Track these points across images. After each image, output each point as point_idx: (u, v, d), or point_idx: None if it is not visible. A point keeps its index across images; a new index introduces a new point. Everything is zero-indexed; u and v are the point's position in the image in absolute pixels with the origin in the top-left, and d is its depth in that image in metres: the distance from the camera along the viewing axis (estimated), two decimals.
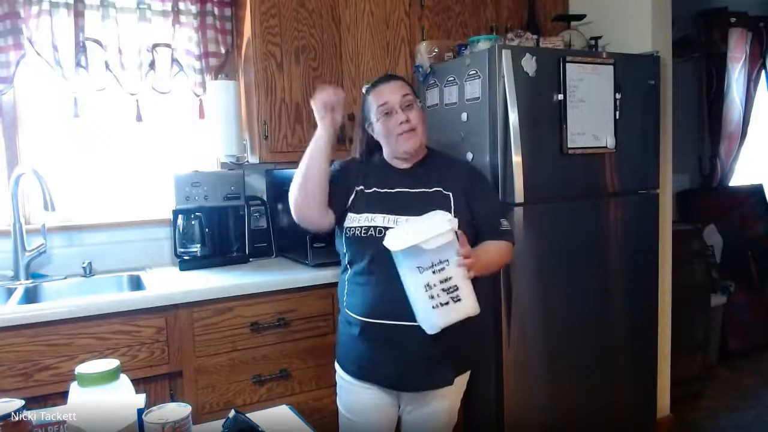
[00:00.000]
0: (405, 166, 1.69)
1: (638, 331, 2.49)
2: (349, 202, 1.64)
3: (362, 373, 1.64)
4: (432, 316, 1.45)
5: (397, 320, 1.54)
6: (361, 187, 1.66)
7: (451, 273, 1.42)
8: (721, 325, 3.55)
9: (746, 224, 4.04)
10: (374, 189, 1.65)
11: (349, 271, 1.65)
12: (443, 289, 1.43)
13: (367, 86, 1.74)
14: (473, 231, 1.61)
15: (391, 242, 1.44)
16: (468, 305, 1.46)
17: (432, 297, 1.43)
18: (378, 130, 1.66)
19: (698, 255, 3.20)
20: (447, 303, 1.43)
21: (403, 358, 1.58)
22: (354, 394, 1.67)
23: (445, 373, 1.61)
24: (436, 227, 1.42)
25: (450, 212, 1.57)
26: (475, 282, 1.50)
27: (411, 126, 1.62)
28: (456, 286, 1.43)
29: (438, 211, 1.50)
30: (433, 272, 1.42)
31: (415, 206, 1.57)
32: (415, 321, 1.50)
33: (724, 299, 3.51)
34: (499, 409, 2.21)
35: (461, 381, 1.69)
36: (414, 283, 1.43)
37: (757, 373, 3.47)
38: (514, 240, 1.71)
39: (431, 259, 1.42)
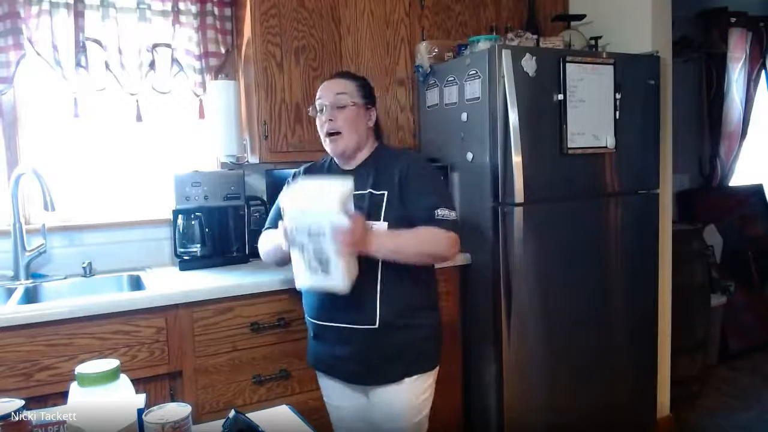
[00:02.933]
0: (349, 167, 1.71)
1: (638, 331, 2.50)
2: None
3: (323, 368, 1.74)
4: (300, 274, 1.51)
5: (346, 323, 1.60)
6: None
7: (326, 246, 1.43)
8: (721, 325, 3.55)
9: (746, 224, 4.04)
10: None
11: None
12: (316, 257, 1.46)
13: None
14: (407, 227, 1.57)
15: (285, 200, 1.50)
16: (335, 280, 1.47)
17: (304, 258, 1.48)
18: (317, 124, 1.71)
19: (698, 255, 3.20)
20: (316, 270, 1.47)
21: (351, 357, 1.62)
22: (326, 386, 1.78)
23: (393, 370, 1.62)
24: (322, 196, 1.44)
25: (381, 213, 1.57)
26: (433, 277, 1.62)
27: (333, 127, 1.63)
28: (327, 258, 1.45)
29: (344, 180, 1.49)
30: (308, 237, 1.45)
31: None
32: (363, 324, 1.56)
33: (724, 299, 3.51)
34: (499, 409, 2.21)
35: (421, 381, 1.65)
36: (296, 240, 1.47)
37: (757, 373, 3.47)
38: (456, 230, 1.60)
39: (310, 225, 1.44)
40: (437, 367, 1.71)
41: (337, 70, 1.81)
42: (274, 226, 1.76)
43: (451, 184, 2.38)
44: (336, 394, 1.76)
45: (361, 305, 1.57)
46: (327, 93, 1.66)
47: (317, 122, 1.70)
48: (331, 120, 1.63)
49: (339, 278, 1.46)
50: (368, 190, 1.62)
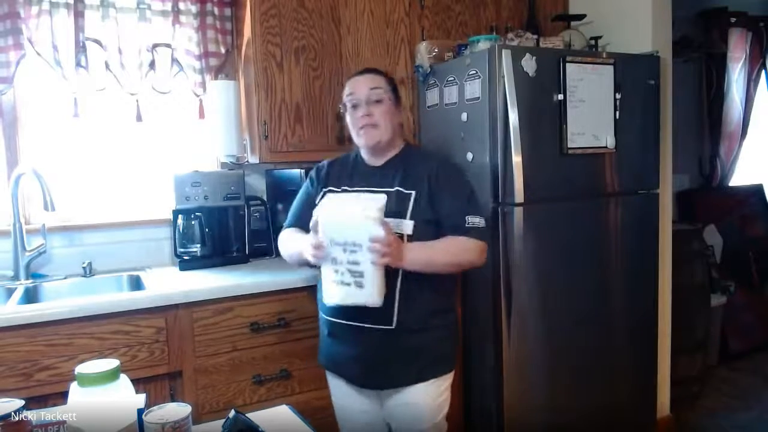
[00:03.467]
0: (377, 163, 1.69)
1: (638, 331, 2.49)
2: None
3: (333, 367, 1.72)
4: (331, 289, 1.50)
5: (360, 322, 1.57)
6: (332, 187, 1.70)
7: (362, 258, 1.43)
8: (721, 325, 3.54)
9: (746, 224, 4.04)
10: (343, 188, 1.68)
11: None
12: (349, 270, 1.45)
13: None
14: (434, 229, 1.58)
15: (320, 211, 1.48)
16: (368, 295, 1.46)
17: (336, 272, 1.47)
18: (347, 120, 1.69)
19: (698, 255, 3.20)
20: (349, 284, 1.46)
21: (365, 357, 1.61)
22: (335, 386, 1.76)
23: (407, 372, 1.60)
24: (360, 210, 1.43)
25: (408, 212, 1.56)
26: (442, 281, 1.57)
27: (371, 121, 1.61)
28: (362, 272, 1.44)
29: (378, 195, 1.50)
30: (344, 250, 1.45)
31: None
32: (379, 324, 1.54)
33: (724, 299, 3.51)
34: (499, 409, 2.21)
35: (438, 383, 1.65)
36: (330, 254, 1.47)
37: (757, 373, 3.47)
38: (485, 237, 1.62)
39: (346, 238, 1.44)
40: (454, 369, 1.71)
41: (368, 67, 1.80)
42: (297, 223, 1.76)
43: None
44: (343, 394, 1.74)
45: (385, 303, 1.53)
46: (360, 88, 1.64)
47: (348, 119, 1.68)
48: (368, 115, 1.62)
49: (373, 292, 1.45)
50: (396, 188, 1.60)
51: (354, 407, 1.73)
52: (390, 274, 1.52)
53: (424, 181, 1.60)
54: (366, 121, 1.62)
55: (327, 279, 1.51)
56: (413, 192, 1.59)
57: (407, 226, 1.55)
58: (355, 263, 1.45)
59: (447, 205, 1.59)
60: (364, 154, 1.72)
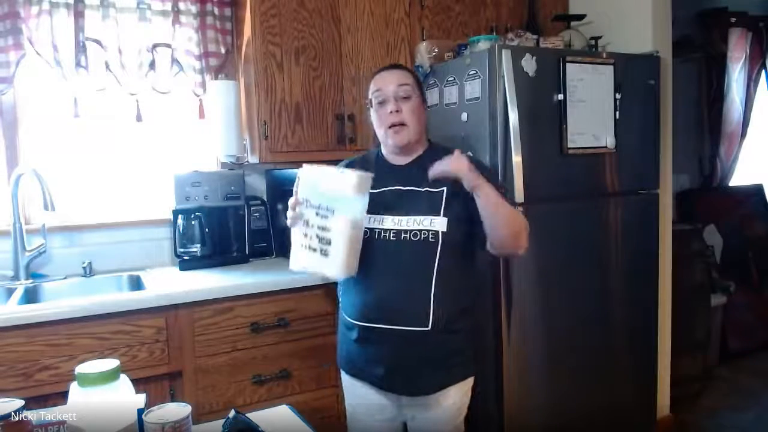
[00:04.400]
0: (401, 162, 1.63)
1: (638, 331, 2.49)
2: None
3: (354, 371, 1.64)
4: (297, 253, 1.48)
5: (388, 324, 1.51)
6: None
7: (332, 225, 1.39)
8: (721, 325, 3.54)
9: (746, 224, 4.03)
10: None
11: None
12: (318, 236, 1.42)
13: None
14: (467, 227, 1.53)
15: (302, 171, 1.47)
16: (332, 265, 1.41)
17: (306, 236, 1.44)
18: (372, 118, 1.63)
19: (698, 255, 3.20)
20: (315, 250, 1.43)
21: (394, 361, 1.54)
22: (353, 392, 1.67)
23: (434, 377, 1.55)
24: (340, 178, 1.40)
25: (441, 209, 1.52)
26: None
27: (400, 119, 1.55)
28: (329, 239, 1.40)
29: (367, 173, 1.44)
30: (317, 213, 1.42)
31: (402, 206, 1.54)
32: (414, 326, 1.49)
33: (724, 299, 3.51)
34: (499, 409, 2.21)
35: (461, 388, 1.62)
36: (303, 214, 1.45)
37: (757, 373, 3.47)
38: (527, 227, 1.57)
39: (320, 201, 1.41)
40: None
41: (394, 63, 1.77)
42: None
43: None
44: (361, 396, 1.65)
45: (414, 306, 1.49)
46: (388, 84, 1.57)
47: (374, 116, 1.61)
48: (397, 111, 1.55)
49: (337, 263, 1.40)
50: (425, 189, 1.55)
51: (371, 410, 1.64)
52: (423, 273, 1.49)
53: (452, 177, 1.52)
54: (394, 119, 1.55)
55: (296, 242, 1.48)
56: (444, 189, 1.54)
57: (441, 223, 1.50)
58: (325, 229, 1.40)
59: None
60: (388, 153, 1.66)
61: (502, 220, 1.50)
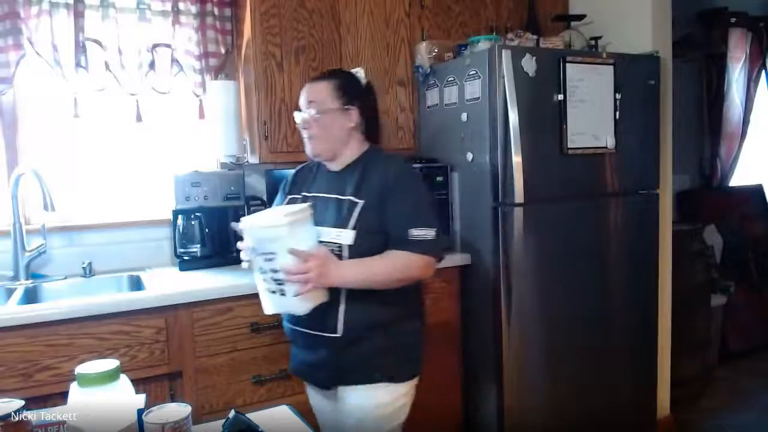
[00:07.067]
0: (335, 168, 1.65)
1: (638, 331, 2.50)
2: None
3: (298, 373, 1.73)
4: (263, 298, 1.52)
5: (311, 329, 1.57)
6: (294, 194, 1.70)
7: (279, 266, 1.43)
8: (721, 325, 3.54)
9: (746, 224, 4.03)
10: (303, 194, 1.67)
11: None
12: (272, 278, 1.46)
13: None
14: (382, 240, 1.52)
15: (243, 221, 1.49)
16: (291, 304, 1.47)
17: (265, 280, 1.49)
18: None
19: (698, 255, 3.20)
20: (275, 292, 1.48)
21: (320, 363, 1.60)
22: (308, 391, 1.78)
23: (358, 377, 1.57)
24: (273, 220, 1.43)
25: (350, 222, 1.51)
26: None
27: (308, 133, 1.61)
28: (282, 280, 1.44)
29: (299, 206, 1.50)
30: (265, 259, 1.45)
31: (323, 213, 1.56)
32: (326, 332, 1.53)
33: (724, 299, 3.51)
34: (499, 409, 2.21)
35: (390, 391, 1.58)
36: (255, 263, 1.49)
37: (757, 373, 3.47)
38: (433, 251, 1.53)
39: (262, 247, 1.44)
40: (414, 379, 1.64)
41: (325, 72, 1.74)
42: None
43: (451, 185, 2.38)
44: (313, 397, 1.76)
45: (325, 312, 1.52)
46: (302, 99, 1.64)
47: None
48: (305, 128, 1.62)
49: (296, 301, 1.44)
50: (347, 197, 1.55)
51: (322, 409, 1.73)
52: (334, 288, 1.51)
53: (376, 189, 1.53)
54: (303, 132, 1.63)
55: (259, 287, 1.53)
56: (362, 201, 1.53)
57: (347, 236, 1.50)
58: (275, 271, 1.44)
59: (392, 216, 1.52)
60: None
61: (379, 284, 1.51)
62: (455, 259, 2.32)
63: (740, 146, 4.09)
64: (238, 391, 1.99)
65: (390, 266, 1.50)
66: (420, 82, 2.52)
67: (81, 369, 1.01)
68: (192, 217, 2.30)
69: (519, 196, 2.08)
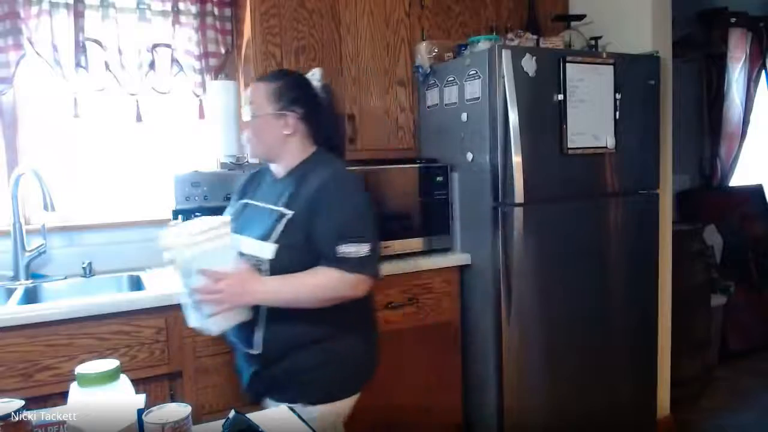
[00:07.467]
0: (280, 174, 1.57)
1: (638, 331, 2.50)
2: None
3: (239, 379, 1.65)
4: (186, 311, 1.47)
5: (240, 344, 1.53)
6: (242, 199, 1.64)
7: (195, 285, 1.38)
8: (721, 325, 3.54)
9: (746, 224, 4.03)
10: (246, 200, 1.62)
11: None
12: (188, 293, 1.42)
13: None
14: (307, 255, 1.41)
15: (163, 237, 1.41)
16: (202, 318, 1.41)
17: (185, 294, 1.44)
18: None
19: (698, 255, 3.20)
20: (192, 306, 1.43)
21: (250, 378, 1.55)
22: None
23: (284, 396, 1.45)
24: (173, 237, 1.37)
25: (273, 235, 1.43)
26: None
27: (245, 135, 1.56)
28: (197, 299, 1.40)
29: (218, 219, 1.40)
30: (183, 276, 1.40)
31: (247, 225, 1.51)
32: (249, 348, 1.48)
33: (724, 299, 3.51)
34: (499, 409, 2.21)
35: (318, 411, 1.46)
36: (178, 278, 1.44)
37: (757, 373, 3.47)
38: (363, 268, 1.40)
39: (178, 263, 1.38)
40: (349, 398, 1.52)
41: (271, 72, 1.68)
42: None
43: (451, 185, 2.38)
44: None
45: (248, 328, 1.47)
46: (245, 99, 1.59)
47: None
48: (244, 128, 1.57)
49: (209, 321, 1.40)
50: (278, 208, 1.47)
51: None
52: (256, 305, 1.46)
53: (307, 199, 1.43)
54: (244, 133, 1.57)
55: (183, 301, 1.49)
56: (292, 212, 1.43)
57: (268, 250, 1.41)
58: (188, 286, 1.40)
59: (319, 230, 1.41)
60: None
61: (302, 303, 1.42)
62: (455, 259, 2.32)
63: (740, 146, 4.09)
64: (238, 391, 1.99)
65: (315, 285, 1.40)
66: (420, 82, 2.52)
67: (81, 369, 1.01)
68: (192, 217, 2.29)
69: (519, 196, 2.08)
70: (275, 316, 1.44)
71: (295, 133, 1.52)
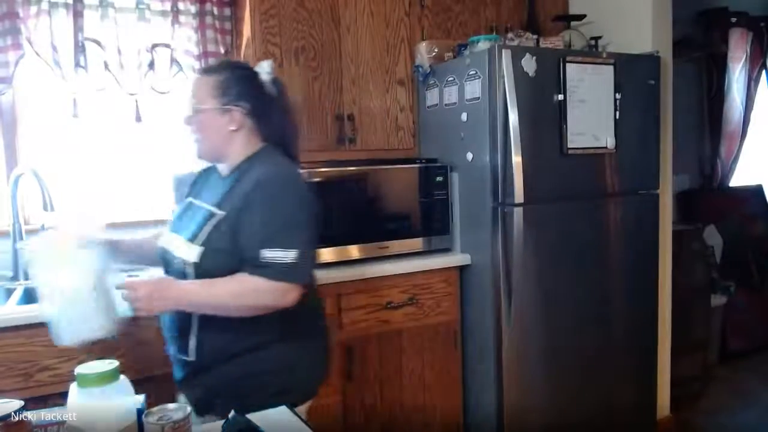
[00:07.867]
0: (224, 172, 1.49)
1: (638, 331, 2.50)
2: None
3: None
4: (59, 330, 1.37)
5: (174, 349, 1.45)
6: (189, 197, 1.58)
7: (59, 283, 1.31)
8: (721, 325, 3.55)
9: (746, 224, 4.03)
10: (189, 199, 1.55)
11: None
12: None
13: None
14: (232, 263, 1.32)
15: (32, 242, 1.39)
16: (58, 334, 1.33)
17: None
18: None
19: (698, 255, 3.20)
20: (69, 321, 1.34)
21: (185, 384, 1.47)
22: None
23: (220, 405, 1.33)
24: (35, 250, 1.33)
25: (200, 236, 1.35)
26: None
27: (189, 132, 1.47)
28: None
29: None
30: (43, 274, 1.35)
31: (188, 224, 1.43)
32: (183, 354, 1.40)
33: (725, 299, 3.51)
34: (499, 409, 2.21)
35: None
36: None
37: (757, 373, 3.47)
38: (288, 277, 1.30)
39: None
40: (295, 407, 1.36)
41: (213, 64, 1.60)
42: None
43: (451, 185, 2.37)
44: None
45: (181, 333, 1.40)
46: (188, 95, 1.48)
47: None
48: (186, 125, 1.47)
49: (61, 333, 1.32)
50: (211, 207, 1.39)
51: None
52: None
53: (238, 200, 1.35)
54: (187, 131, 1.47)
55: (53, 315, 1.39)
56: (222, 213, 1.36)
57: (193, 253, 1.34)
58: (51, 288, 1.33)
59: (245, 234, 1.32)
60: None
61: (228, 311, 1.33)
62: (455, 259, 2.32)
63: (740, 146, 4.09)
64: None
65: (233, 291, 1.31)
66: (420, 82, 2.52)
67: (81, 369, 1.01)
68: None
69: (519, 196, 2.08)
70: (206, 323, 1.36)
71: (241, 128, 1.43)
